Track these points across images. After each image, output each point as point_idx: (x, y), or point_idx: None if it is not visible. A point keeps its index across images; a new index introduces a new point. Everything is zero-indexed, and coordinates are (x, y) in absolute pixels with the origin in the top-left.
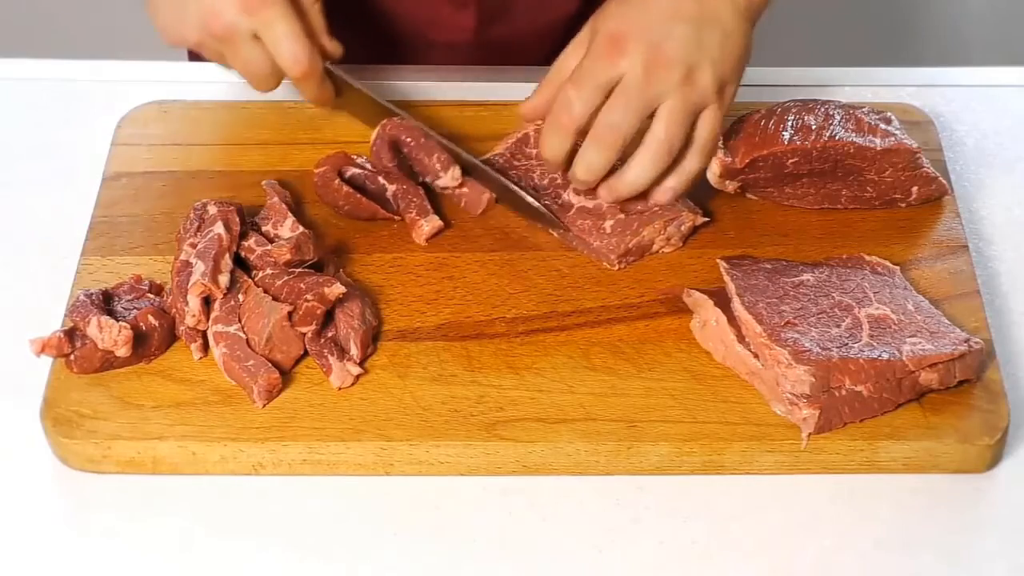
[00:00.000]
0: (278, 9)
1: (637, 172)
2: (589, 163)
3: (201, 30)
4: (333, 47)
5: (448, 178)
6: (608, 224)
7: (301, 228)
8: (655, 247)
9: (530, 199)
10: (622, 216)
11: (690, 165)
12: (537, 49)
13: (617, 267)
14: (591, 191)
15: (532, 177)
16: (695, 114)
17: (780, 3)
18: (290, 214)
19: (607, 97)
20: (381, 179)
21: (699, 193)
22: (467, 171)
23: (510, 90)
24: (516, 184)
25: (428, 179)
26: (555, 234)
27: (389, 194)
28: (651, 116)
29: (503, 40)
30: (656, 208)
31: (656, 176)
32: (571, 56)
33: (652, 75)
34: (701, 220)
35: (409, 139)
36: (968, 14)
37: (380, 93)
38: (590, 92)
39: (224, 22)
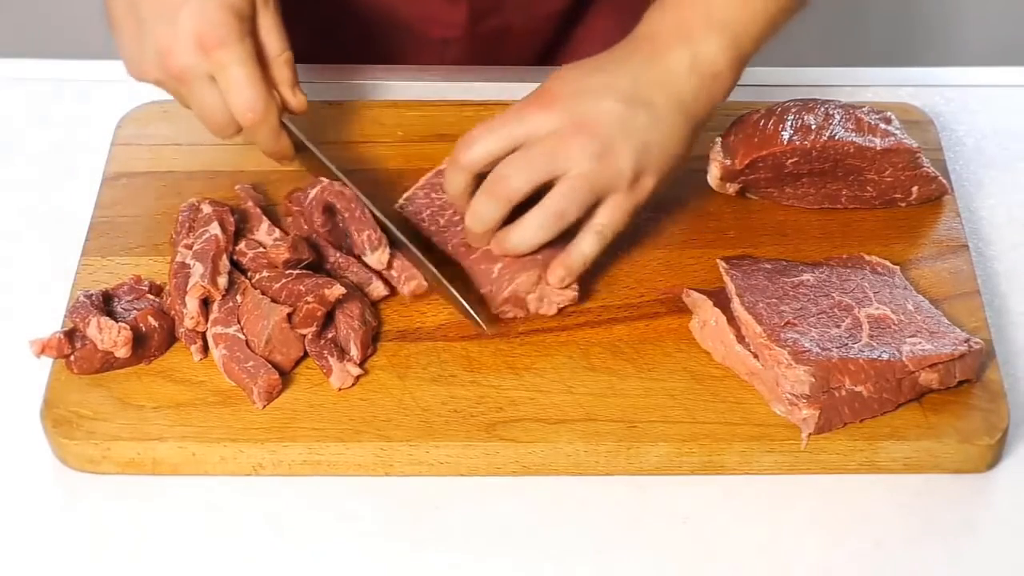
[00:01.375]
0: (234, 52)
1: (522, 234)
2: (477, 212)
3: (159, 69)
4: (297, 102)
5: (374, 259)
6: (496, 268)
7: (277, 231)
8: (531, 306)
9: (458, 297)
10: (507, 261)
11: (583, 246)
12: (530, 44)
13: (504, 316)
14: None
15: (443, 215)
16: (599, 194)
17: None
18: (265, 218)
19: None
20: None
21: (699, 193)
22: (398, 247)
23: (508, 90)
24: (447, 280)
25: (357, 254)
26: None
27: (327, 265)
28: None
29: (495, 35)
30: (539, 257)
31: (542, 242)
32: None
33: (567, 141)
34: (571, 298)
35: (343, 208)
36: (968, 14)
37: (330, 157)
38: (497, 139)
39: (179, 62)
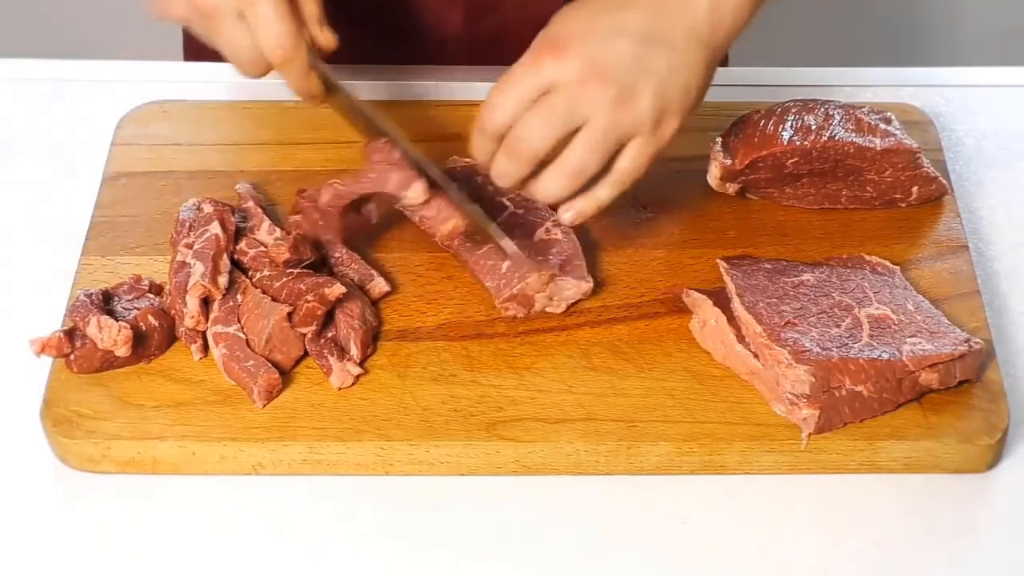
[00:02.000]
0: None
1: (543, 190)
2: (501, 171)
3: (185, 5)
4: (326, 39)
5: (413, 193)
6: (504, 264)
7: (278, 231)
8: (537, 304)
9: (502, 234)
10: (515, 259)
11: (600, 193)
12: (528, 43)
13: (505, 313)
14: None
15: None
16: (621, 141)
17: (780, 3)
18: (266, 217)
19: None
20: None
21: (699, 193)
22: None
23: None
24: (492, 219)
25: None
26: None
27: (330, 264)
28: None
29: (493, 34)
30: (551, 259)
31: (563, 196)
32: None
33: (583, 89)
34: (586, 290)
35: (379, 156)
36: (968, 14)
37: (362, 96)
38: (515, 98)
39: None
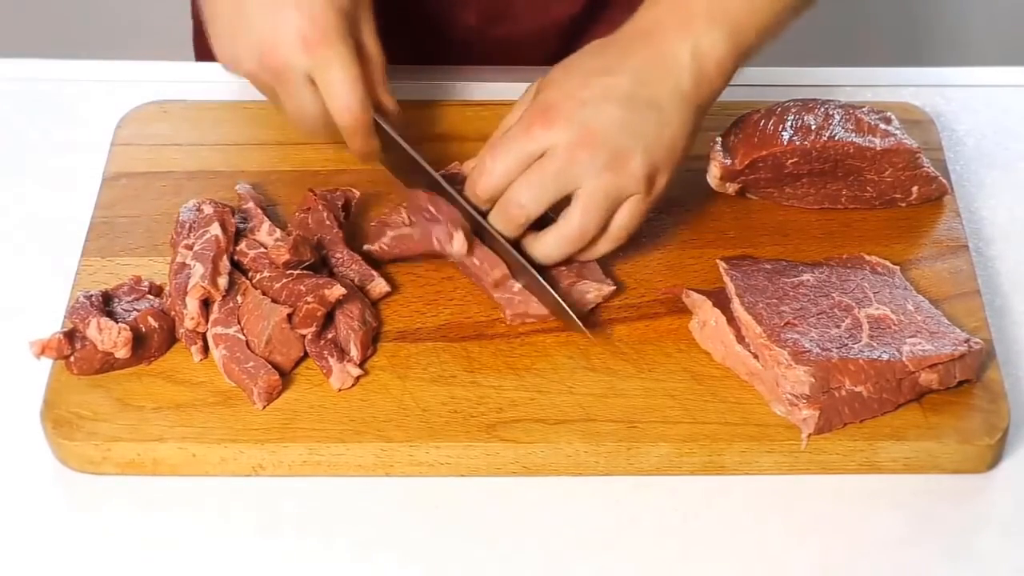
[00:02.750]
0: (338, 50)
1: (544, 251)
2: (495, 227)
3: (255, 62)
4: (390, 103)
5: (456, 245)
6: (516, 286)
7: (278, 231)
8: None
9: (555, 294)
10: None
11: (599, 248)
12: (541, 49)
13: (510, 323)
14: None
15: None
16: (618, 201)
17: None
18: (266, 218)
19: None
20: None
21: (699, 193)
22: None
23: (512, 90)
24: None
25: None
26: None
27: (331, 265)
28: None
29: (506, 40)
30: (565, 270)
31: (564, 258)
32: (512, 116)
33: (574, 155)
34: (608, 293)
35: (429, 206)
36: (968, 14)
37: (423, 156)
38: (508, 163)
39: (280, 58)
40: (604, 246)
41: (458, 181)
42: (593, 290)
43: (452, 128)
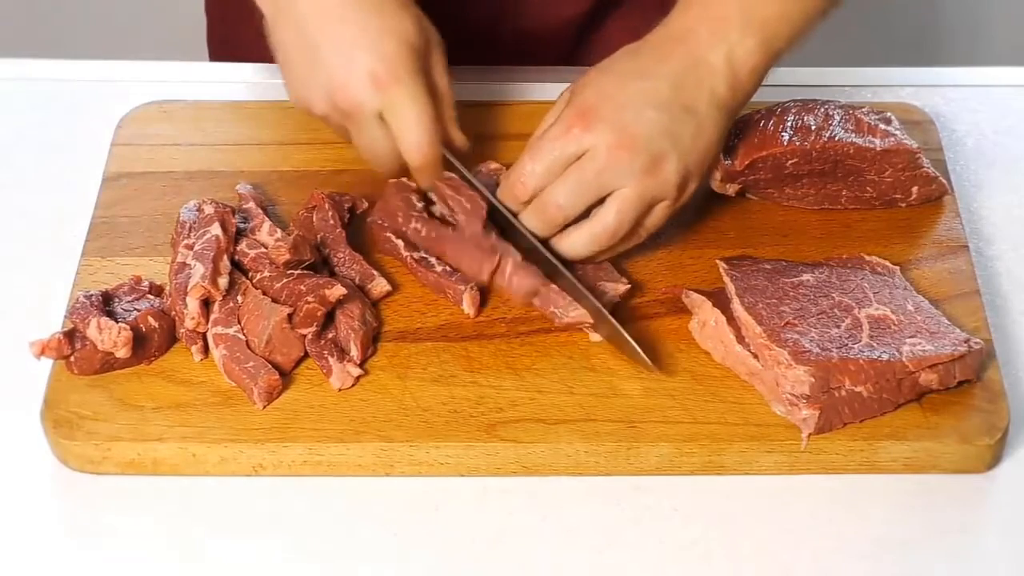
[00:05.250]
0: (409, 90)
1: (572, 247)
2: (528, 226)
3: (326, 101)
4: (460, 140)
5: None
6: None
7: (279, 231)
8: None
9: (629, 338)
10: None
11: (617, 249)
12: (551, 47)
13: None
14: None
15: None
16: (650, 205)
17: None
18: (267, 218)
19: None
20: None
21: (699, 194)
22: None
23: (519, 90)
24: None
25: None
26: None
27: (334, 264)
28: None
29: (515, 37)
30: (579, 270)
31: (593, 255)
32: (549, 119)
33: (613, 157)
34: (623, 291)
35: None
36: (968, 14)
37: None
38: (547, 165)
39: (351, 97)
40: (623, 246)
41: (494, 183)
42: (610, 289)
43: (465, 128)
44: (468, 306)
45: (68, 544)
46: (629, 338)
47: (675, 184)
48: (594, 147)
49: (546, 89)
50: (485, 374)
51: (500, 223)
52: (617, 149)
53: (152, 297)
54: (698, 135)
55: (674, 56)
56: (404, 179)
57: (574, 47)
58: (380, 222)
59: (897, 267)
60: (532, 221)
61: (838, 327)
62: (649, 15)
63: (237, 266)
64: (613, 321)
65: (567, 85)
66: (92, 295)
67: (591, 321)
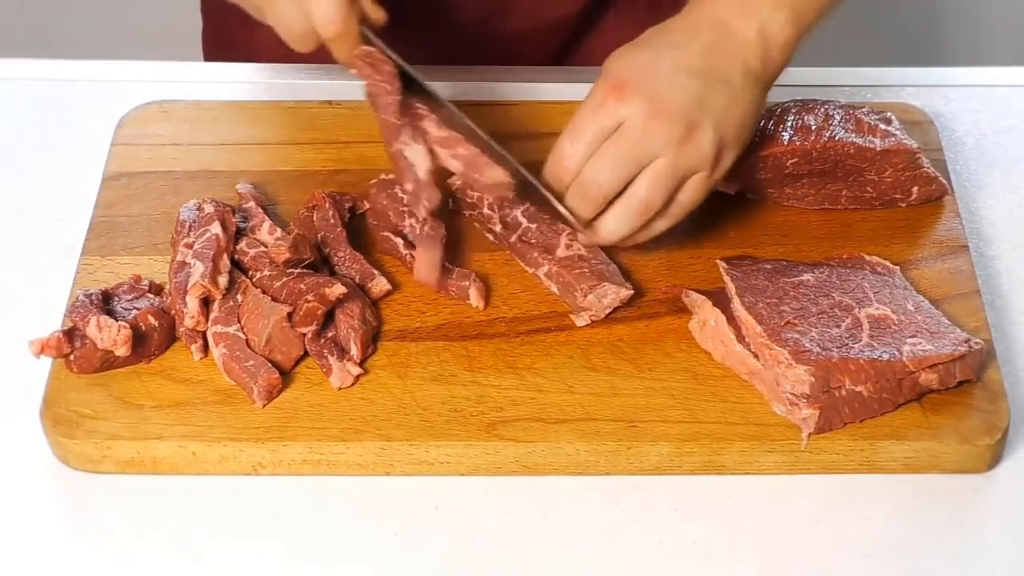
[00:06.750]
0: None
1: (611, 227)
2: (571, 207)
3: None
4: (375, 14)
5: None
6: (542, 272)
7: (279, 230)
8: (579, 321)
9: (550, 196)
10: (554, 268)
11: (657, 225)
12: (541, 47)
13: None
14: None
15: (483, 204)
16: (685, 177)
17: None
18: (267, 217)
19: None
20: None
21: None
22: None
23: (515, 90)
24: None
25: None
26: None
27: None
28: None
29: (506, 37)
30: (586, 270)
31: (631, 232)
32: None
33: (649, 127)
34: (625, 296)
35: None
36: (968, 14)
37: (413, 67)
38: (586, 142)
39: None
40: (662, 224)
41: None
42: (611, 293)
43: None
44: (475, 299)
45: (68, 543)
46: (556, 203)
47: (710, 155)
48: (629, 118)
49: (537, 90)
50: (485, 373)
51: (417, 91)
52: (652, 118)
53: (152, 296)
54: (732, 105)
55: (705, 30)
56: (384, 176)
57: (566, 48)
58: (375, 223)
59: (897, 267)
60: (577, 202)
61: (838, 327)
62: (641, 15)
63: (237, 265)
64: (538, 184)
65: (559, 86)
66: (92, 294)
67: (510, 181)
